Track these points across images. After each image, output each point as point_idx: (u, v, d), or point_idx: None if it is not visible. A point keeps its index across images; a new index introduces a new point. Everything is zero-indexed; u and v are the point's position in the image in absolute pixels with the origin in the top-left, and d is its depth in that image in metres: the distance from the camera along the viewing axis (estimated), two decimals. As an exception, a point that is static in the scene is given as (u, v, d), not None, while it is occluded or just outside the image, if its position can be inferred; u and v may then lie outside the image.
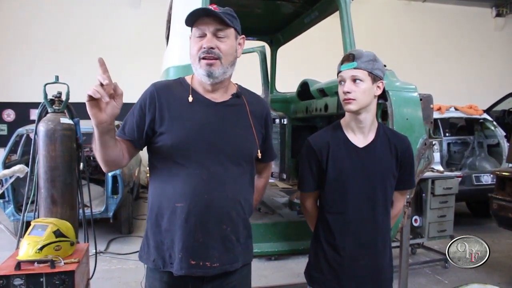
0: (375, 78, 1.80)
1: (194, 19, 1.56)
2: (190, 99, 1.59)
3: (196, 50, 1.57)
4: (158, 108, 1.57)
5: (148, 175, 1.72)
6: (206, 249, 1.56)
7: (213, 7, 1.54)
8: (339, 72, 1.85)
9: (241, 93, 1.71)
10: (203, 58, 1.55)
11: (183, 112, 1.58)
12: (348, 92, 1.78)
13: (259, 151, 1.70)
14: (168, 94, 1.61)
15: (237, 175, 1.62)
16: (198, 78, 1.62)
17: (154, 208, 1.61)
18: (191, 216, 1.53)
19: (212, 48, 1.54)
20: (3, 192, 4.84)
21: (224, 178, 1.58)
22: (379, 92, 1.85)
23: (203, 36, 1.56)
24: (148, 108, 1.58)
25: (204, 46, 1.54)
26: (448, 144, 6.51)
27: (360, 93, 1.78)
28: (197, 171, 1.54)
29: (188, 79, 1.70)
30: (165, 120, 1.57)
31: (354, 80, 1.78)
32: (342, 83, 1.83)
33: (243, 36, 1.67)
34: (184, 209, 1.53)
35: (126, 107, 1.69)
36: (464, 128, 6.73)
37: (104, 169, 1.56)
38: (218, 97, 1.65)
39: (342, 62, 1.84)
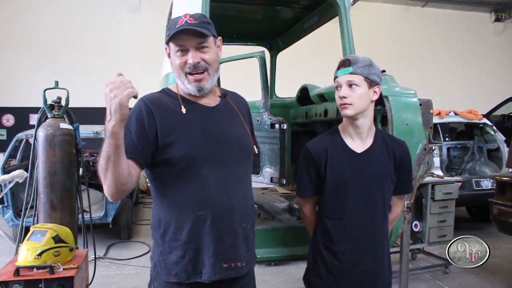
0: (371, 83, 1.81)
1: (173, 36, 1.53)
2: (184, 110, 1.56)
3: (180, 65, 1.55)
4: (158, 120, 1.52)
5: (147, 180, 1.69)
6: (235, 250, 1.58)
7: (187, 18, 1.52)
8: (335, 77, 1.86)
9: (226, 93, 1.74)
10: (190, 74, 1.55)
11: (183, 122, 1.55)
12: (344, 97, 1.79)
13: (255, 147, 1.72)
14: (161, 106, 1.56)
15: (244, 173, 1.66)
16: (185, 90, 1.61)
17: (169, 224, 1.55)
18: (216, 221, 1.53)
19: (198, 62, 1.54)
20: (2, 197, 4.83)
21: (235, 178, 1.60)
22: (376, 97, 1.85)
23: (184, 50, 1.54)
24: (147, 121, 1.51)
25: (189, 62, 1.53)
26: (448, 149, 6.50)
27: (356, 98, 1.79)
28: (211, 176, 1.54)
29: (173, 88, 1.67)
30: (168, 131, 1.51)
31: (350, 85, 1.79)
32: (339, 88, 1.84)
33: (220, 37, 1.66)
34: (208, 215, 1.52)
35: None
36: (464, 133, 6.72)
37: (115, 196, 1.44)
38: (211, 101, 1.66)
39: (338, 68, 1.85)
